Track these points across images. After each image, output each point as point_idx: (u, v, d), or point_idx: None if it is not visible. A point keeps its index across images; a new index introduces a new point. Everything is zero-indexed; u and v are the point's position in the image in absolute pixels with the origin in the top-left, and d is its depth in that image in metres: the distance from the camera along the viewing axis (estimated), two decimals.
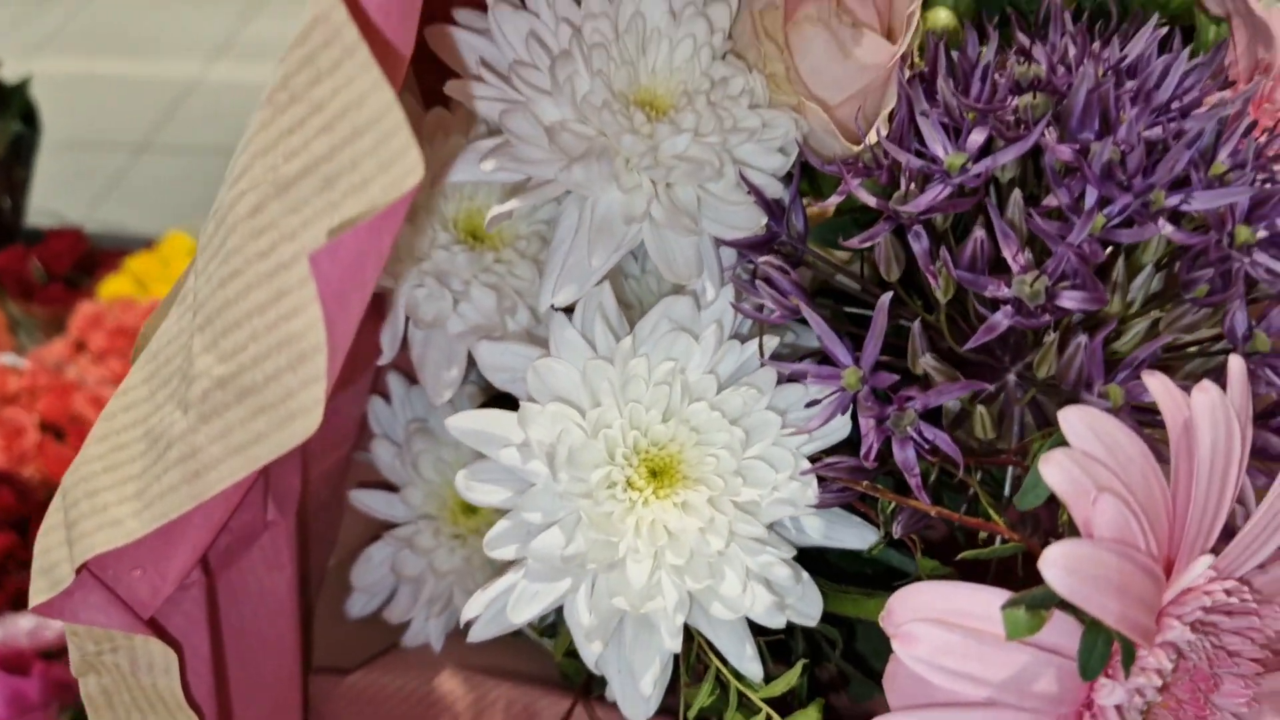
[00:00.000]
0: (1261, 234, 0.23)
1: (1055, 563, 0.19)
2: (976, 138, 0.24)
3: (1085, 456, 0.20)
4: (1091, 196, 0.23)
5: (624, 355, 0.27)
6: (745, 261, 0.28)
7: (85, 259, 0.99)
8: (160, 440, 0.21)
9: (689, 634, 0.28)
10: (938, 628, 0.21)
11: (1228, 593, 0.22)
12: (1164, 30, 0.25)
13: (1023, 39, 0.26)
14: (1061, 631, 0.21)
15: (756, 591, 0.27)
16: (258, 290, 0.20)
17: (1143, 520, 0.20)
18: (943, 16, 0.28)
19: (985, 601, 0.21)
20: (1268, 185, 0.24)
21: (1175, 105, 0.25)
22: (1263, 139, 0.25)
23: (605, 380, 0.27)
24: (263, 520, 0.29)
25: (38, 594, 0.22)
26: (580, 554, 0.26)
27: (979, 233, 0.23)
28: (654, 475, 0.27)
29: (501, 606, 0.27)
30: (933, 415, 0.25)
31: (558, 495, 0.27)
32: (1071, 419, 0.21)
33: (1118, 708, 0.21)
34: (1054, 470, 0.20)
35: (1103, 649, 0.20)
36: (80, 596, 0.22)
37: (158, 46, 2.16)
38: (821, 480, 0.27)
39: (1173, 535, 0.22)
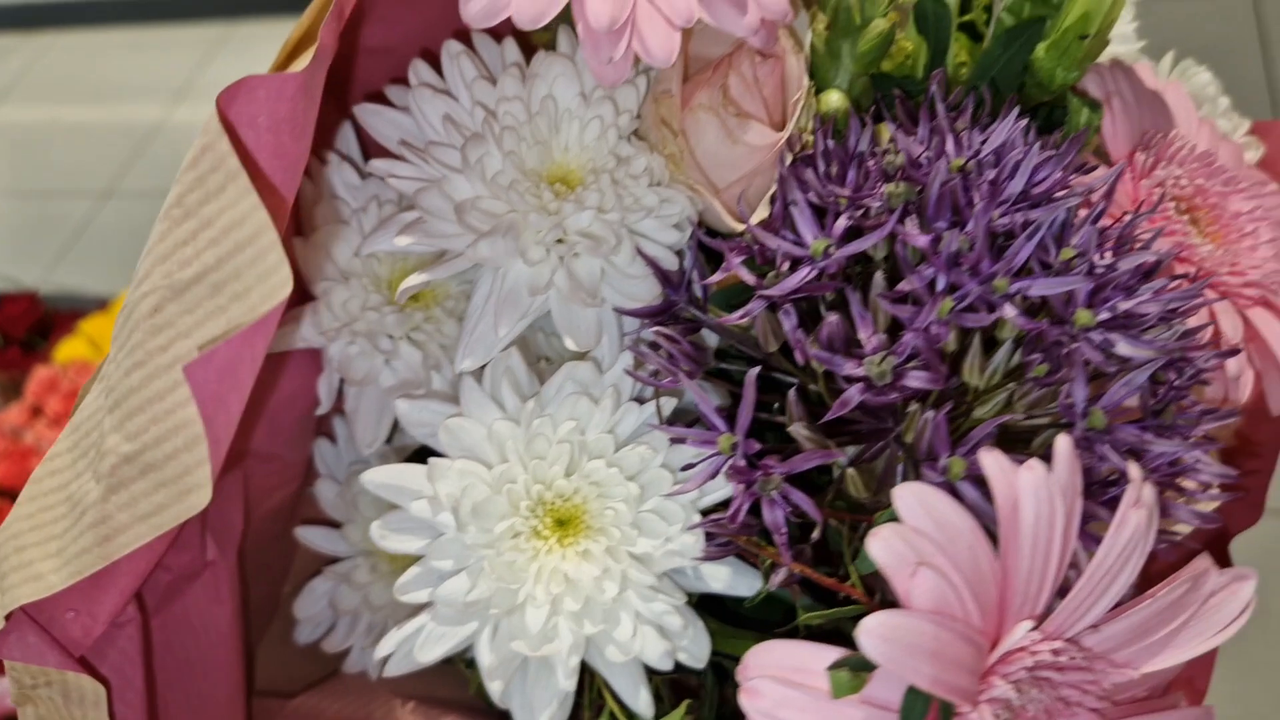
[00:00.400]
0: (1104, 315, 0.25)
1: (871, 632, 0.21)
2: (842, 223, 0.26)
3: (912, 531, 0.22)
4: (940, 282, 0.25)
5: (529, 415, 0.29)
6: (646, 329, 0.30)
7: (41, 322, 1.00)
8: (78, 505, 0.23)
9: (589, 671, 0.30)
10: (779, 684, 0.23)
11: (1055, 652, 0.24)
12: (1024, 121, 0.27)
13: (891, 127, 0.27)
14: (890, 688, 0.23)
15: (647, 635, 0.29)
16: (158, 380, 0.22)
17: (963, 591, 0.22)
18: (834, 99, 0.30)
19: (824, 660, 0.23)
20: (1112, 270, 0.26)
21: (1030, 195, 0.26)
22: (1112, 224, 0.27)
23: (510, 439, 0.29)
24: (202, 559, 0.32)
25: None
26: (483, 600, 0.28)
27: (832, 315, 0.25)
28: (560, 525, 0.30)
29: (410, 646, 0.29)
30: (813, 475, 0.27)
31: (465, 545, 0.29)
32: (904, 495, 0.23)
33: None
34: (878, 544, 0.22)
35: (921, 708, 0.22)
36: (16, 636, 0.25)
37: (119, 92, 2.17)
38: (710, 534, 0.29)
39: (1001, 602, 0.23)
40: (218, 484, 0.31)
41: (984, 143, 0.27)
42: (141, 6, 2.28)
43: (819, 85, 0.31)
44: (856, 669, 0.22)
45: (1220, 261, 0.31)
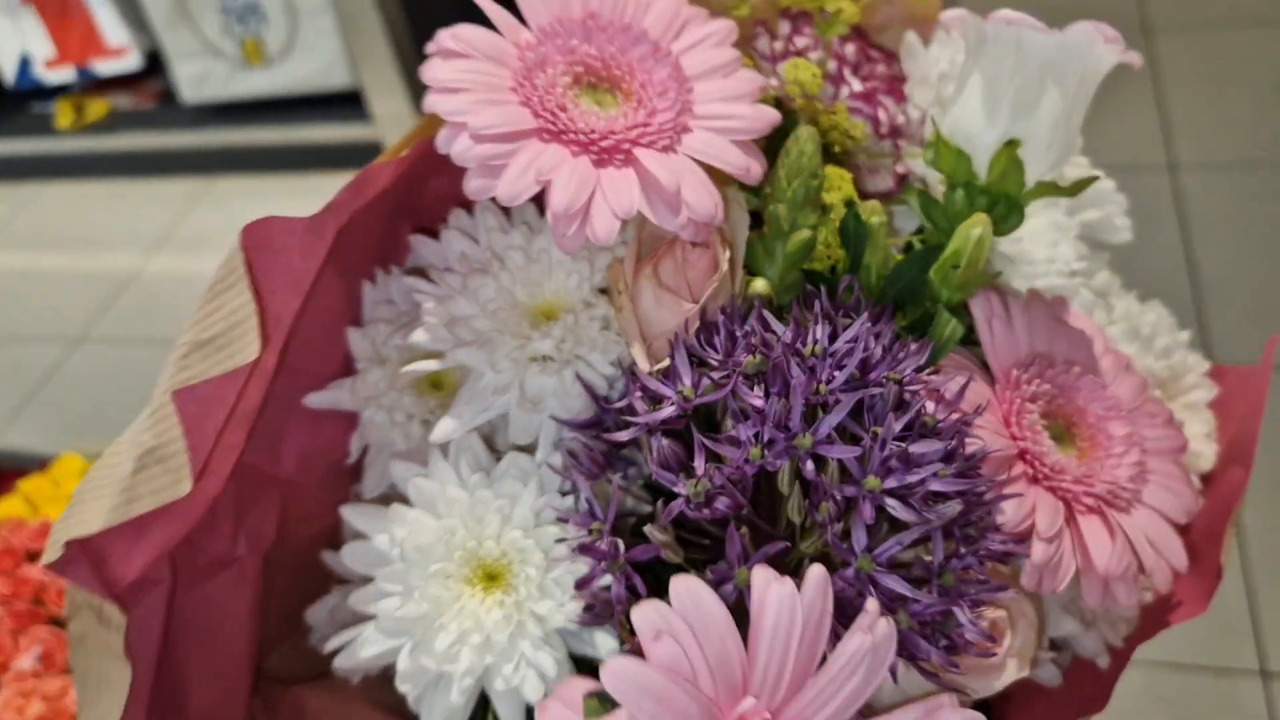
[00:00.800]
0: (891, 484, 0.32)
1: (610, 669, 0.28)
2: (706, 380, 0.34)
3: (668, 608, 0.29)
4: (764, 435, 0.32)
5: (474, 486, 0.38)
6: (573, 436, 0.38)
7: None
8: (118, 478, 0.34)
9: (487, 700, 0.38)
10: (561, 704, 0.30)
11: None
12: (873, 324, 0.34)
13: (765, 315, 0.35)
14: None
15: (529, 676, 0.36)
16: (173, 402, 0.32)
17: (699, 662, 0.29)
18: (759, 285, 0.38)
19: (588, 689, 0.30)
20: (904, 451, 0.32)
21: (866, 380, 0.33)
22: (945, 420, 0.33)
23: (457, 502, 0.38)
24: (233, 553, 0.41)
25: (46, 558, 0.35)
26: (409, 619, 0.37)
27: (665, 441, 0.32)
28: (490, 579, 0.38)
29: (355, 645, 0.38)
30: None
31: (406, 575, 0.37)
32: (676, 583, 0.30)
33: None
34: (636, 614, 0.29)
35: None
36: (69, 563, 0.35)
37: (98, 241, 2.22)
38: (587, 606, 0.36)
39: (744, 682, 0.30)
40: (256, 497, 0.41)
41: (831, 337, 0.34)
42: (125, 160, 2.31)
43: (755, 272, 0.39)
44: (604, 701, 0.29)
45: (1069, 469, 0.36)
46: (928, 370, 0.35)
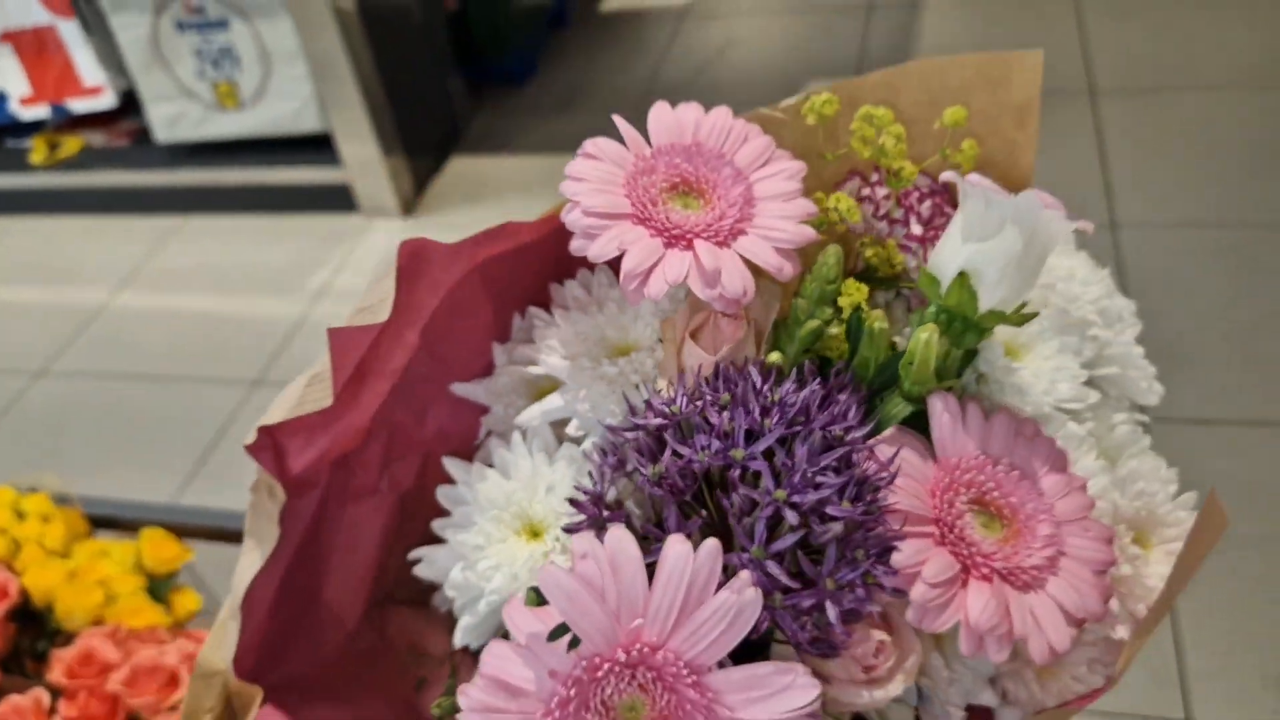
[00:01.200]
0: (796, 498, 0.42)
1: (545, 573, 0.40)
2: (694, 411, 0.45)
3: (598, 543, 0.41)
4: (714, 446, 0.43)
5: (538, 462, 0.51)
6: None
7: None
8: (298, 391, 0.49)
9: None
10: (517, 602, 0.42)
11: (652, 648, 0.40)
12: (818, 389, 0.45)
13: (754, 373, 0.46)
14: (553, 615, 0.41)
15: None
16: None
17: (613, 585, 0.40)
18: (774, 356, 0.49)
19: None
20: (814, 478, 0.42)
21: (800, 424, 0.44)
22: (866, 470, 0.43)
23: (522, 471, 0.51)
24: (377, 486, 0.57)
25: (245, 440, 0.51)
26: (466, 545, 0.50)
27: (646, 438, 0.44)
28: (532, 533, 0.51)
29: (431, 559, 0.52)
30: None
31: (473, 514, 0.51)
32: (610, 532, 0.41)
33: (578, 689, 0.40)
34: (578, 540, 0.41)
35: (559, 633, 0.40)
36: (259, 446, 0.51)
37: (69, 275, 2.25)
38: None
39: (644, 608, 0.41)
40: (402, 452, 0.56)
41: (789, 402, 0.45)
42: (98, 196, 2.30)
43: (777, 347, 0.50)
44: (540, 597, 0.41)
45: (979, 544, 0.44)
46: (873, 437, 0.45)
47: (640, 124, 0.53)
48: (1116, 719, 1.38)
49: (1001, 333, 0.52)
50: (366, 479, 0.56)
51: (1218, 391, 1.85)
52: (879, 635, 0.45)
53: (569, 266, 0.57)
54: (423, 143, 2.43)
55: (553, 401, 0.51)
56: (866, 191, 0.56)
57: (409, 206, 2.41)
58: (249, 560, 0.51)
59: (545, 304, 0.59)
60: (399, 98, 2.28)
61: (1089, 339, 0.53)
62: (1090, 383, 0.54)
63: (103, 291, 2.31)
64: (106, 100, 2.26)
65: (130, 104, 2.30)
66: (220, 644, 0.52)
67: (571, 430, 0.51)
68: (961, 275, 0.45)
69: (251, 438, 0.50)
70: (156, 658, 0.85)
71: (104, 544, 1.02)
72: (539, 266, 0.57)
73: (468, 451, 0.59)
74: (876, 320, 0.49)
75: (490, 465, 0.53)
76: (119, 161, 2.38)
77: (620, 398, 0.50)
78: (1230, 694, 1.46)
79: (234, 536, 1.06)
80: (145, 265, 2.36)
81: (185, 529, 1.06)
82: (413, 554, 0.53)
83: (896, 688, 0.45)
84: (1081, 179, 2.30)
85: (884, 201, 0.55)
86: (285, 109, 2.15)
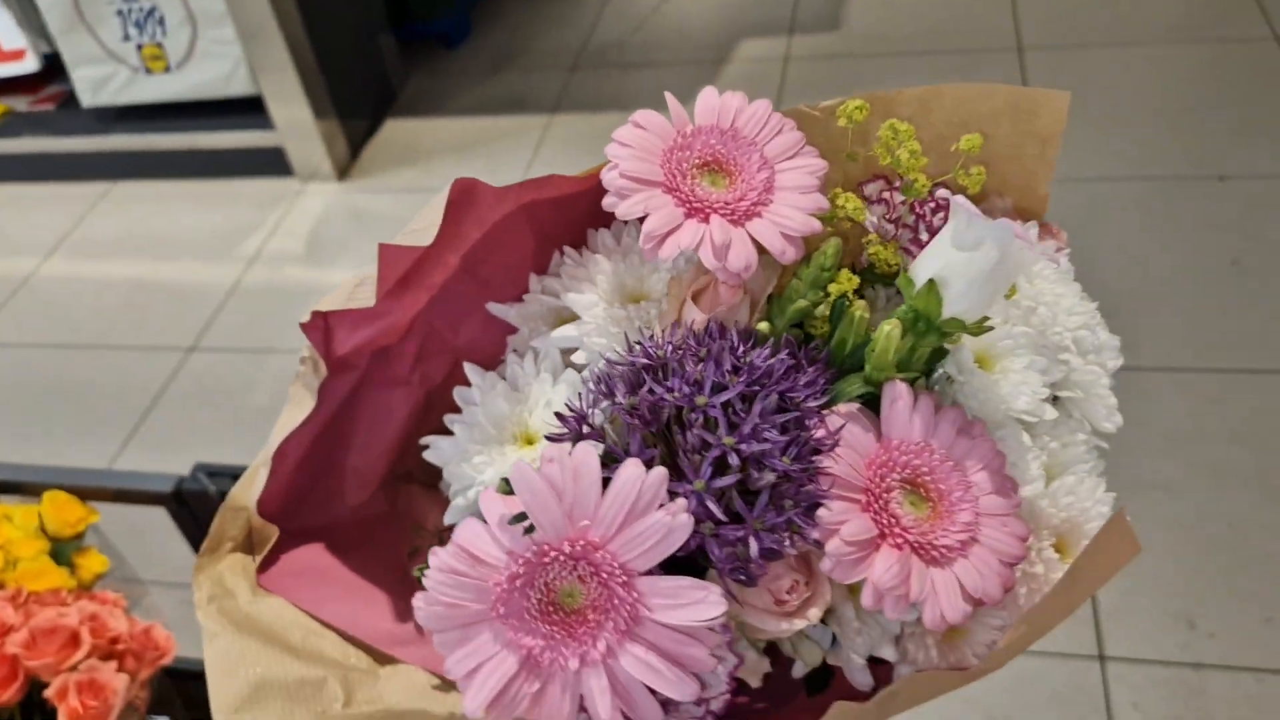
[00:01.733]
0: (744, 447, 0.48)
1: (515, 468, 0.47)
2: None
3: (565, 454, 0.48)
4: (681, 389, 0.50)
5: (543, 380, 0.58)
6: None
7: None
8: (348, 289, 0.57)
9: None
10: (492, 491, 0.50)
11: (594, 545, 0.47)
12: (786, 359, 0.51)
13: (734, 336, 0.52)
14: (518, 504, 0.48)
15: None
16: None
17: (571, 488, 0.47)
18: (763, 326, 0.55)
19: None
20: (760, 431, 0.48)
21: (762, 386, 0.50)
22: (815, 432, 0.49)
23: (528, 385, 0.58)
24: (409, 378, 0.64)
25: (302, 321, 0.59)
26: (467, 439, 0.58)
27: (628, 371, 0.51)
28: (527, 440, 0.58)
29: (436, 446, 0.59)
30: None
31: (479, 414, 0.58)
32: (578, 448, 0.48)
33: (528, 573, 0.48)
34: (549, 447, 0.48)
35: (518, 519, 0.48)
36: (312, 326, 0.59)
37: None
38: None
39: (594, 512, 0.48)
40: (435, 352, 0.63)
41: (757, 365, 0.51)
42: (23, 163, 2.17)
43: (768, 318, 0.56)
44: (509, 487, 0.48)
45: (901, 517, 0.50)
46: (828, 408, 0.51)
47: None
48: (1033, 657, 1.47)
49: (977, 344, 0.57)
50: (400, 370, 0.64)
51: (1135, 340, 1.91)
52: (795, 575, 0.51)
53: (609, 217, 0.64)
54: (356, 105, 2.35)
55: (567, 331, 0.58)
56: (886, 194, 0.62)
57: (344, 169, 2.33)
58: (288, 418, 0.60)
59: (583, 247, 0.66)
60: (330, 59, 2.20)
61: (1059, 362, 0.58)
62: (1057, 402, 0.59)
63: (30, 260, 2.22)
64: (29, 64, 2.17)
65: (55, 68, 2.18)
66: (250, 485, 0.60)
67: (577, 359, 0.58)
68: (931, 282, 0.51)
69: (306, 319, 0.58)
70: (56, 619, 0.85)
71: (6, 508, 1.01)
72: (583, 213, 0.64)
73: (491, 363, 0.66)
74: (859, 309, 0.54)
75: (504, 378, 0.60)
76: (44, 127, 2.27)
77: (623, 337, 0.57)
78: (1140, 629, 1.55)
79: (140, 498, 1.06)
80: (74, 232, 2.28)
81: (90, 491, 1.05)
82: (424, 439, 0.61)
83: (802, 622, 0.51)
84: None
85: (899, 207, 0.61)
86: (214, 72, 2.07)
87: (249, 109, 2.17)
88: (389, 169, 2.46)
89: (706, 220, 0.55)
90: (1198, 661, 1.52)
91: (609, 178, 0.55)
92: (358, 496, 0.65)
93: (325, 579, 0.61)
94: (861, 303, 0.55)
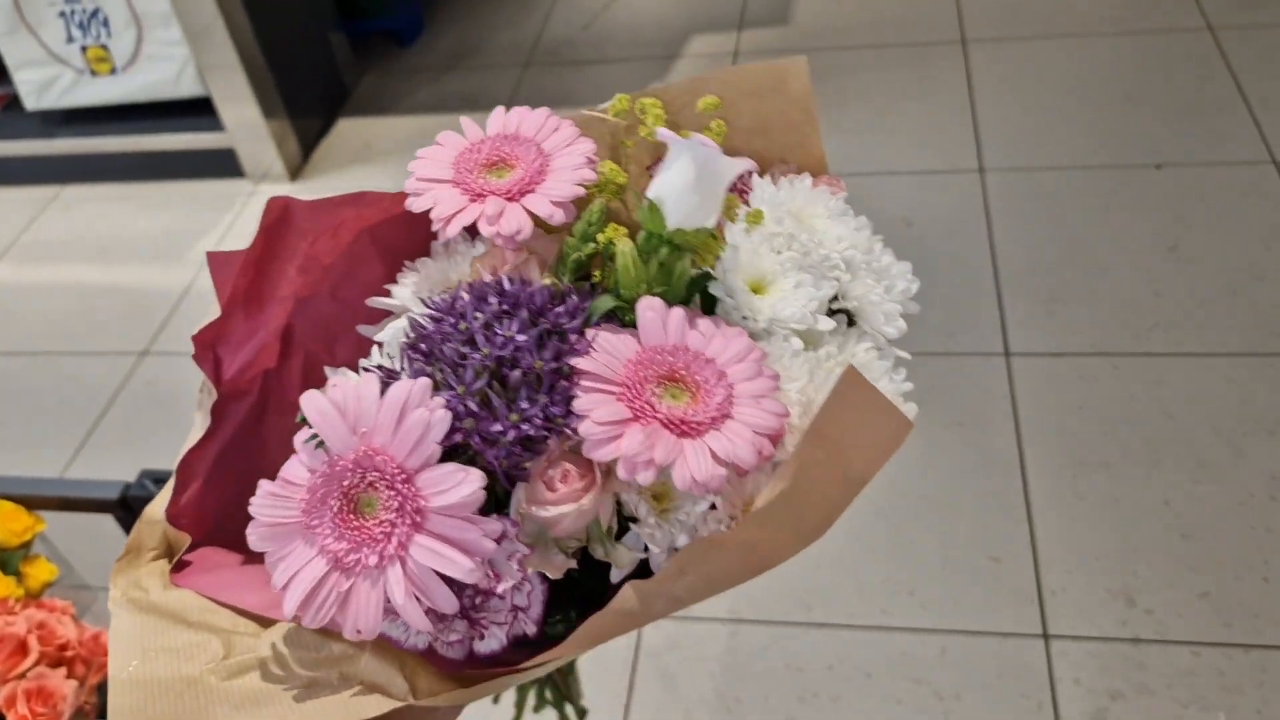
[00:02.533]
0: (498, 353, 0.56)
1: (307, 396, 0.56)
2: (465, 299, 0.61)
3: (355, 383, 0.57)
4: (476, 328, 0.59)
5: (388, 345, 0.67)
6: None
7: None
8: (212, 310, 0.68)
9: None
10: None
11: (383, 462, 0.55)
12: (537, 291, 0.59)
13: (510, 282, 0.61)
14: (312, 458, 0.57)
15: None
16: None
17: (354, 407, 0.56)
18: (547, 279, 0.64)
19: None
20: (519, 346, 0.56)
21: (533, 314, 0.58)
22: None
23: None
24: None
25: (193, 353, 0.70)
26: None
27: (432, 315, 0.60)
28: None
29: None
30: None
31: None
32: (362, 376, 0.57)
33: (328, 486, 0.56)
34: (343, 378, 0.57)
35: (316, 441, 0.56)
36: (199, 357, 0.70)
37: None
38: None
39: (376, 430, 0.56)
40: (321, 379, 0.74)
41: (510, 294, 0.59)
42: None
43: (555, 263, 0.65)
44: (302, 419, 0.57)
45: (656, 404, 0.57)
46: (586, 325, 0.59)
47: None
48: (980, 637, 1.50)
49: (750, 272, 0.65)
50: (292, 394, 0.74)
51: (1073, 325, 1.99)
52: (566, 466, 0.58)
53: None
54: (307, 104, 2.29)
55: (398, 322, 0.68)
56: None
57: (296, 170, 2.27)
58: (191, 436, 0.70)
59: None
60: (279, 58, 2.16)
61: (829, 279, 0.65)
62: (838, 314, 0.66)
63: None
64: None
65: None
66: (164, 499, 0.70)
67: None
68: (651, 202, 0.60)
69: (194, 349, 0.70)
70: (3, 628, 0.86)
71: None
72: (428, 230, 0.74)
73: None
74: (623, 244, 0.63)
75: None
76: None
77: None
78: (1082, 607, 1.58)
79: (88, 505, 1.07)
80: (22, 237, 2.21)
81: (36, 500, 1.04)
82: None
83: (571, 506, 0.57)
84: (952, 126, 2.42)
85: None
86: (162, 73, 2.02)
87: (198, 110, 2.13)
88: (342, 168, 2.42)
89: (483, 200, 0.65)
90: (1136, 637, 1.54)
91: (409, 183, 0.66)
92: None
93: (232, 572, 0.70)
94: (627, 241, 0.63)
